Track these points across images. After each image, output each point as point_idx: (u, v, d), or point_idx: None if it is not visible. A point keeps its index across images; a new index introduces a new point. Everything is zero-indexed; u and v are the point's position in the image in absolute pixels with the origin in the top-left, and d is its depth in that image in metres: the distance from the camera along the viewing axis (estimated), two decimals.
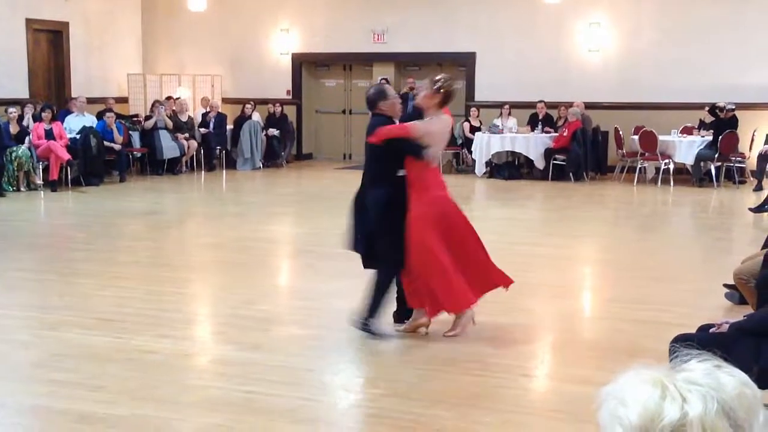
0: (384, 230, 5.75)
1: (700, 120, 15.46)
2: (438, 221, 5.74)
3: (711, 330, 4.29)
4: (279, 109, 18.04)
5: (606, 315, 6.69)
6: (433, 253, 5.69)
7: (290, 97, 19.00)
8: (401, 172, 5.72)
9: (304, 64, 19.14)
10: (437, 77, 5.80)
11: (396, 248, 5.70)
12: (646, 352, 5.37)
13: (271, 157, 17.85)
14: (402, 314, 6.19)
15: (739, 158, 14.93)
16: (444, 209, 5.82)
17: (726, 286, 6.78)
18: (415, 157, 5.66)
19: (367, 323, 5.86)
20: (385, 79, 18.02)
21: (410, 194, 5.69)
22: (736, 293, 6.52)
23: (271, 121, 17.97)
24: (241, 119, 17.52)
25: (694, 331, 4.36)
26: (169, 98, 17.37)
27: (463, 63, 17.87)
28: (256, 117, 17.78)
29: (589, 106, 16.09)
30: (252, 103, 17.82)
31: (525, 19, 17.03)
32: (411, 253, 5.71)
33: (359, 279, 7.69)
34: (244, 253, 8.99)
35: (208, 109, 17.76)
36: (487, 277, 5.99)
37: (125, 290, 7.25)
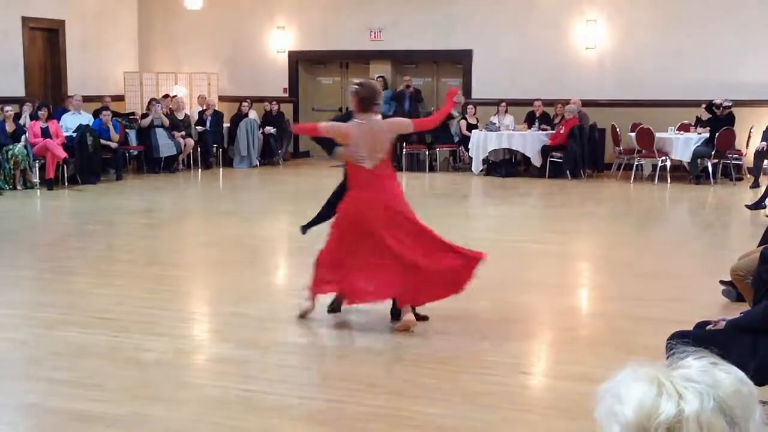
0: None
1: (697, 117, 15.46)
2: (349, 220, 6.14)
3: (708, 327, 4.30)
4: (276, 107, 18.04)
5: (603, 312, 6.70)
6: (330, 244, 6.29)
7: (287, 95, 19.00)
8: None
9: (301, 62, 19.13)
10: (354, 82, 6.17)
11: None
12: (643, 349, 5.38)
13: (268, 155, 17.85)
14: (396, 312, 6.24)
15: (736, 155, 14.94)
16: (357, 209, 6.08)
17: (723, 282, 6.79)
18: (327, 153, 6.46)
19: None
20: (382, 77, 18.05)
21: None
22: (732, 290, 6.53)
23: (267, 119, 17.96)
24: (238, 117, 17.51)
25: (691, 328, 4.36)
26: (165, 96, 17.37)
27: (460, 60, 17.87)
28: (253, 115, 17.77)
29: (586, 103, 16.10)
30: (249, 101, 17.82)
31: (522, 17, 17.04)
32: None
33: None
34: (241, 252, 8.99)
35: (204, 107, 17.75)
36: (423, 275, 6.00)
37: (122, 289, 7.25)
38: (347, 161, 6.18)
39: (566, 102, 15.94)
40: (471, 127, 16.59)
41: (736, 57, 15.72)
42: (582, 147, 15.41)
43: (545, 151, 15.63)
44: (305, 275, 7.80)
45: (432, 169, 16.80)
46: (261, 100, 18.25)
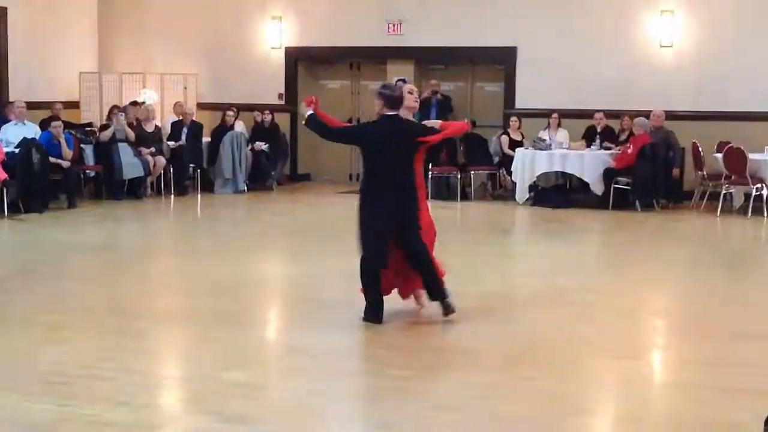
0: None
1: None
2: None
3: None
4: (269, 117, 18.12)
5: (682, 380, 6.65)
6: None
7: (283, 102, 19.09)
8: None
9: (301, 61, 19.23)
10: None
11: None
12: (732, 428, 5.33)
13: (259, 178, 17.89)
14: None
15: None
16: None
17: None
18: None
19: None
20: (403, 80, 18.02)
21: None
22: None
23: (258, 132, 18.03)
24: (221, 130, 17.59)
25: None
26: (134, 104, 17.47)
27: (501, 60, 17.92)
28: (240, 127, 17.84)
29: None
30: (235, 109, 17.89)
31: (579, 7, 17.11)
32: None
33: (368, 331, 7.69)
34: (224, 300, 8.99)
35: (179, 117, 17.85)
36: None
37: (74, 345, 7.25)
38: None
39: (635, 114, 15.94)
40: (514, 144, 16.60)
41: None
42: (655, 170, 15.38)
43: (609, 175, 15.61)
44: (301, 329, 7.77)
45: (465, 196, 16.79)
46: (250, 108, 18.34)
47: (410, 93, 8.23)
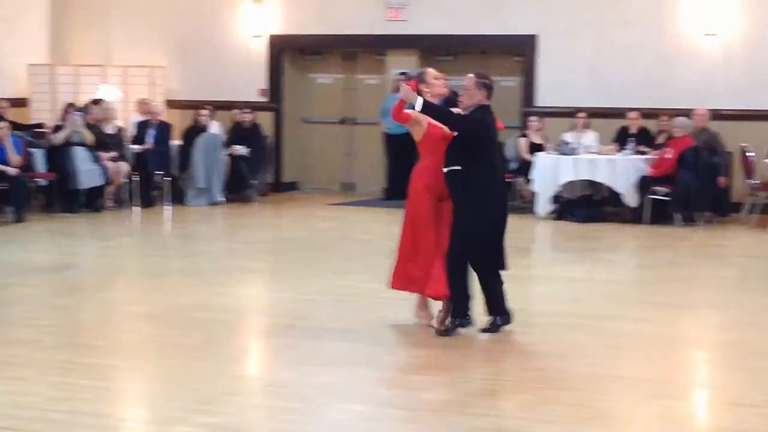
0: None
1: None
2: None
3: None
4: (249, 117, 18.13)
5: (731, 424, 6.65)
6: None
7: (266, 99, 19.12)
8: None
9: (287, 52, 19.27)
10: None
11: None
12: None
13: (237, 188, 17.92)
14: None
15: None
16: None
17: None
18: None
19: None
20: (404, 74, 18.10)
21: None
22: None
23: (237, 134, 18.05)
24: (194, 132, 17.60)
25: None
26: (95, 102, 17.48)
27: (520, 51, 17.98)
28: (216, 128, 17.86)
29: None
30: (209, 108, 17.92)
31: None
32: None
33: (362, 367, 7.68)
34: (196, 329, 8.98)
35: (145, 117, 17.86)
36: None
37: (22, 383, 7.24)
38: (422, 159, 8.84)
39: (675, 113, 15.96)
40: (535, 148, 16.61)
41: None
42: (698, 179, 15.39)
43: (645, 184, 15.63)
44: (286, 363, 7.77)
45: None
46: (228, 106, 18.37)
47: (437, 79, 8.75)
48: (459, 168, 8.40)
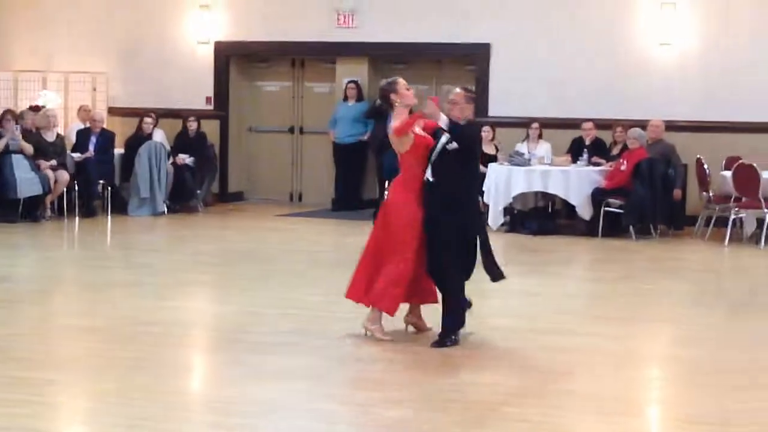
0: None
1: None
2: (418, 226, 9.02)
3: None
4: (194, 125, 18.08)
5: None
6: None
7: (212, 107, 19.07)
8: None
9: (234, 59, 19.23)
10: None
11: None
12: None
13: (182, 198, 17.86)
14: None
15: None
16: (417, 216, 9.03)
17: None
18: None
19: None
20: (354, 82, 18.15)
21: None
22: None
23: (182, 143, 17.99)
24: (137, 140, 17.52)
25: None
26: (34, 108, 17.35)
27: (473, 60, 18.02)
28: (160, 137, 17.79)
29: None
30: (153, 115, 17.83)
31: None
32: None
33: (308, 381, 7.68)
34: (138, 343, 8.94)
35: (86, 125, 17.76)
36: None
37: None
38: (409, 169, 8.97)
39: (630, 124, 16.05)
40: (488, 159, 16.62)
41: None
42: (653, 191, 15.46)
43: (598, 196, 15.70)
44: (232, 379, 7.76)
45: None
46: (173, 114, 18.30)
47: (408, 89, 9.19)
48: (442, 178, 8.78)
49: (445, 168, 8.75)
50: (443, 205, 8.75)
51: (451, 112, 8.90)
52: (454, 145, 8.60)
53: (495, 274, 9.21)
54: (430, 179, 8.79)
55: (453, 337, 8.80)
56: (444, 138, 8.72)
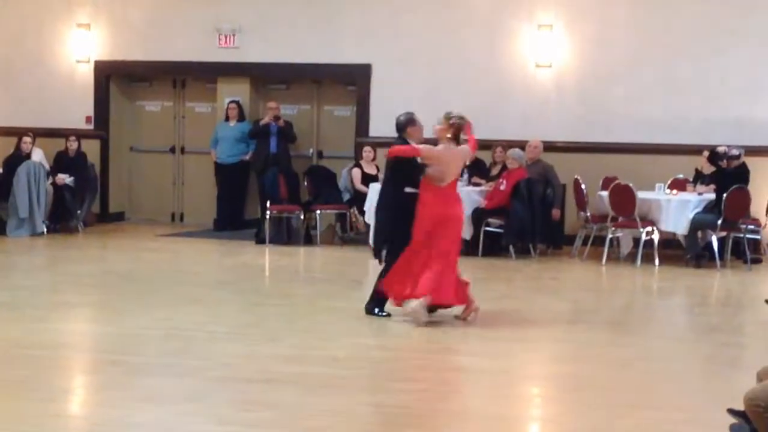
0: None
1: (697, 170, 15.89)
2: (427, 231, 10.79)
3: None
4: (75, 145, 17.87)
5: None
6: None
7: (92, 126, 18.86)
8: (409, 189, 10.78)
9: (114, 79, 19.05)
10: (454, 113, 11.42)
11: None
12: None
13: (62, 218, 17.62)
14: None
15: (752, 226, 15.34)
16: (434, 222, 10.81)
17: (732, 413, 6.88)
18: (417, 175, 10.90)
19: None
20: (236, 102, 18.08)
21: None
22: (747, 425, 6.64)
23: (62, 162, 17.76)
24: (15, 159, 17.27)
25: None
26: None
27: (353, 80, 18.06)
28: (39, 156, 17.55)
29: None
30: (31, 135, 17.60)
31: (445, 20, 17.35)
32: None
33: (189, 403, 7.60)
34: (16, 366, 8.78)
35: None
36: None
37: None
38: (422, 184, 10.76)
39: (509, 145, 16.18)
40: (368, 179, 16.65)
41: (750, 87, 16.28)
42: (532, 211, 15.58)
43: (478, 216, 15.79)
44: (109, 400, 7.66)
45: (310, 240, 16.79)
46: (52, 134, 18.06)
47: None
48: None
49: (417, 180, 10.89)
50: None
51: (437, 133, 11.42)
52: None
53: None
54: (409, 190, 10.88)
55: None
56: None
